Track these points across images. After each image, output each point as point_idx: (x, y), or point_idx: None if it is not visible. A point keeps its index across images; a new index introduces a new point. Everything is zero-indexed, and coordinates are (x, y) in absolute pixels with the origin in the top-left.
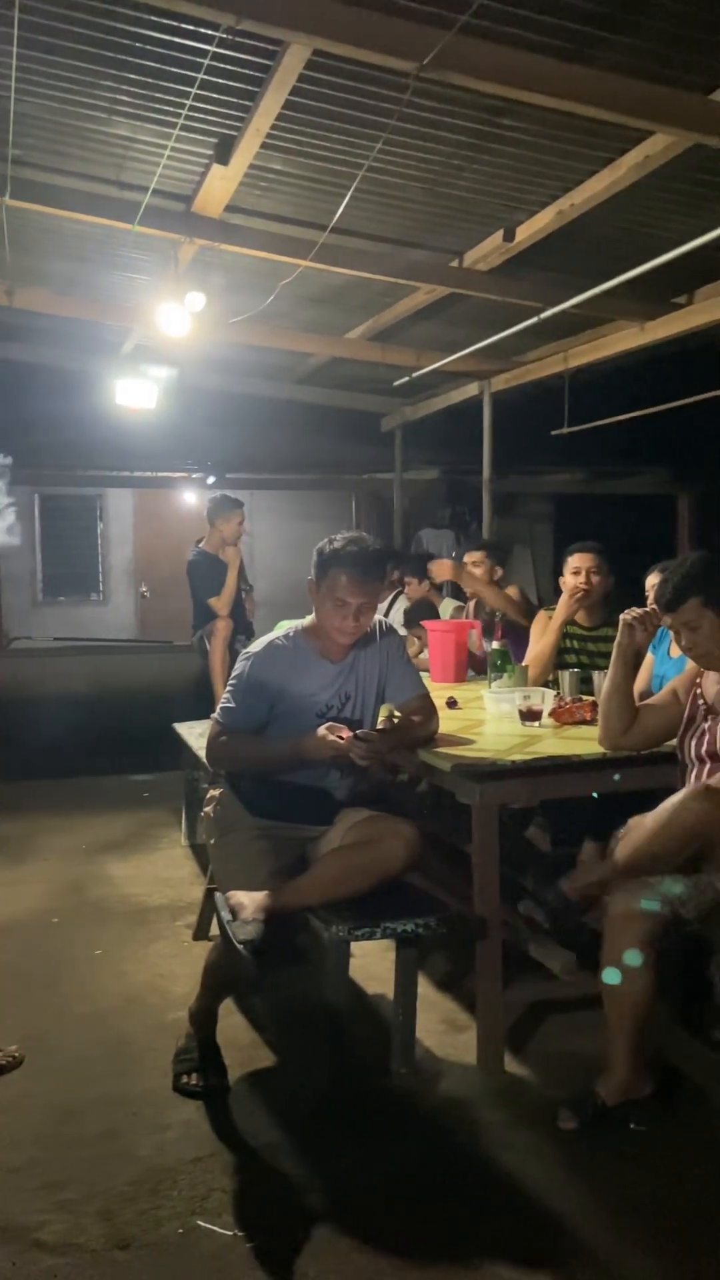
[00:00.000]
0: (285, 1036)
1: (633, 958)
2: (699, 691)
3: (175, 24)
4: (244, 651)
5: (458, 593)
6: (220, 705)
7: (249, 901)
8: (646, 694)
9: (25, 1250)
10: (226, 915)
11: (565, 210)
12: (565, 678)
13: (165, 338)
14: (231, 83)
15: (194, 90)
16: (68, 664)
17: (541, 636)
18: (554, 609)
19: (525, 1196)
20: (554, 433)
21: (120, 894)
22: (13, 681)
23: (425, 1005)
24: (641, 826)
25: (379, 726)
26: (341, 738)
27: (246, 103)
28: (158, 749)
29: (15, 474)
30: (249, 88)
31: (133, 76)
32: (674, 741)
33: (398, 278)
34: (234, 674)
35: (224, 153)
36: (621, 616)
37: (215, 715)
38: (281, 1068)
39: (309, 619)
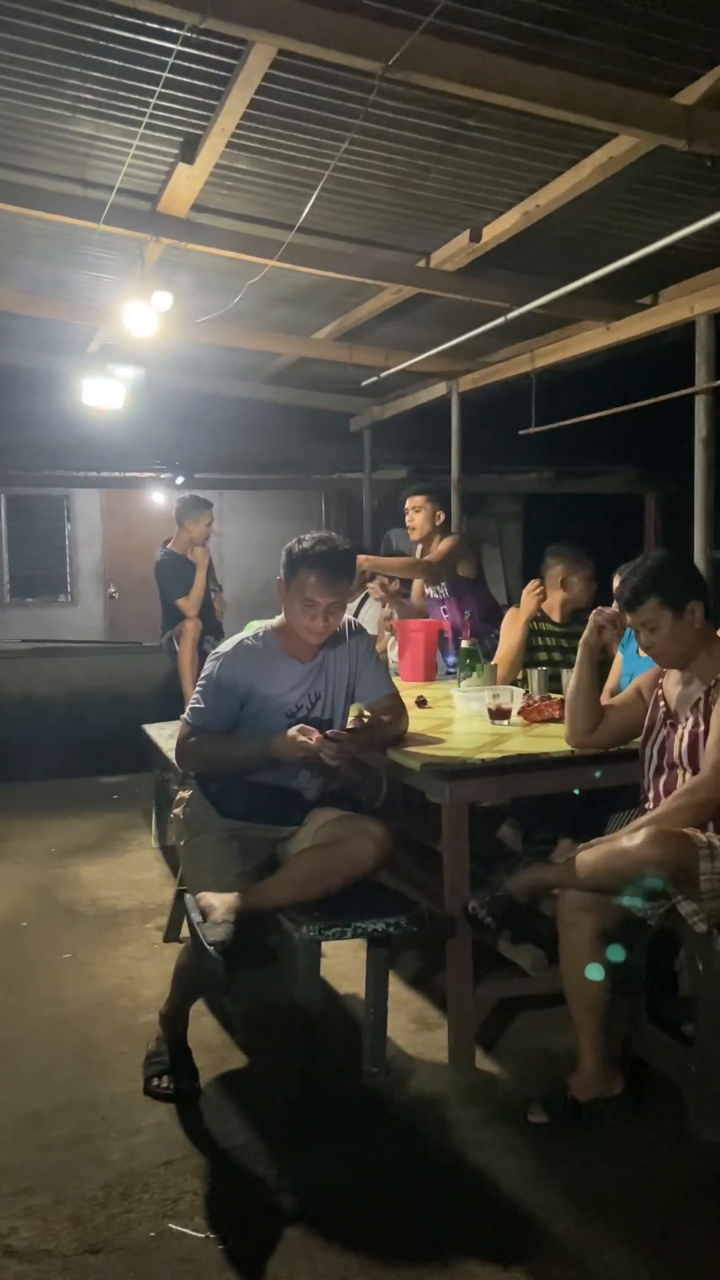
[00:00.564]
0: (256, 1038)
1: (612, 954)
2: (660, 693)
3: (139, 22)
4: (213, 652)
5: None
6: (189, 705)
7: (219, 903)
8: (617, 692)
9: None
10: (197, 917)
11: (531, 211)
12: (534, 676)
13: (132, 337)
14: (197, 82)
15: (159, 89)
16: (36, 666)
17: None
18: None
19: (497, 1193)
20: (522, 432)
21: (90, 897)
22: None
23: (396, 1004)
24: (597, 854)
25: (349, 726)
26: (311, 739)
27: (212, 102)
28: (127, 751)
29: None
30: (214, 87)
31: (96, 74)
32: (639, 739)
33: (365, 278)
34: (203, 674)
35: (189, 152)
36: (592, 615)
37: (185, 716)
38: (253, 1069)
39: (278, 619)
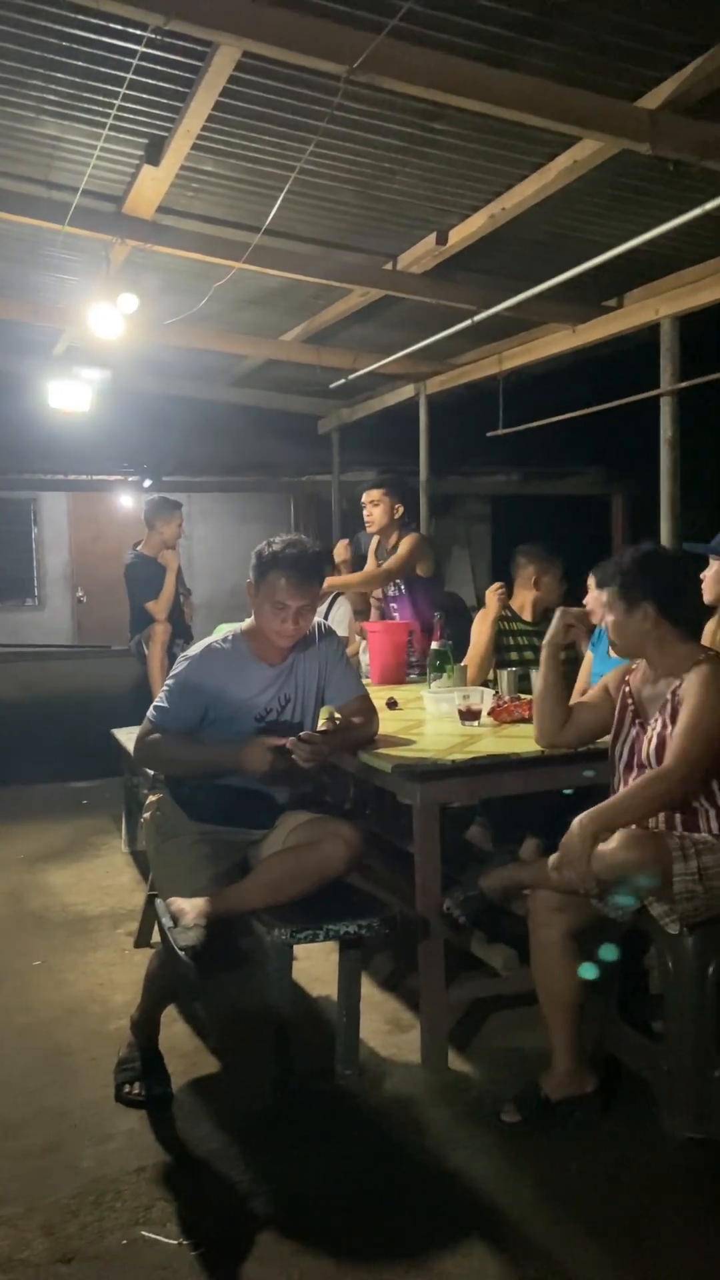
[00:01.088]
0: (229, 1042)
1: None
2: (628, 690)
3: (103, 23)
4: (182, 654)
5: None
6: (154, 704)
7: (190, 907)
8: (586, 691)
9: None
10: (167, 922)
11: (496, 214)
12: (504, 677)
13: (98, 340)
14: (161, 83)
15: (123, 90)
16: (3, 670)
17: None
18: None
19: (471, 1193)
20: (489, 434)
21: (60, 903)
22: None
23: (369, 1006)
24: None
25: (320, 728)
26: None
27: (177, 103)
28: (96, 756)
29: None
30: (179, 88)
31: (60, 75)
32: (609, 739)
33: (331, 280)
34: (171, 674)
35: (154, 153)
36: (558, 613)
37: (149, 714)
38: (225, 1074)
39: (247, 622)
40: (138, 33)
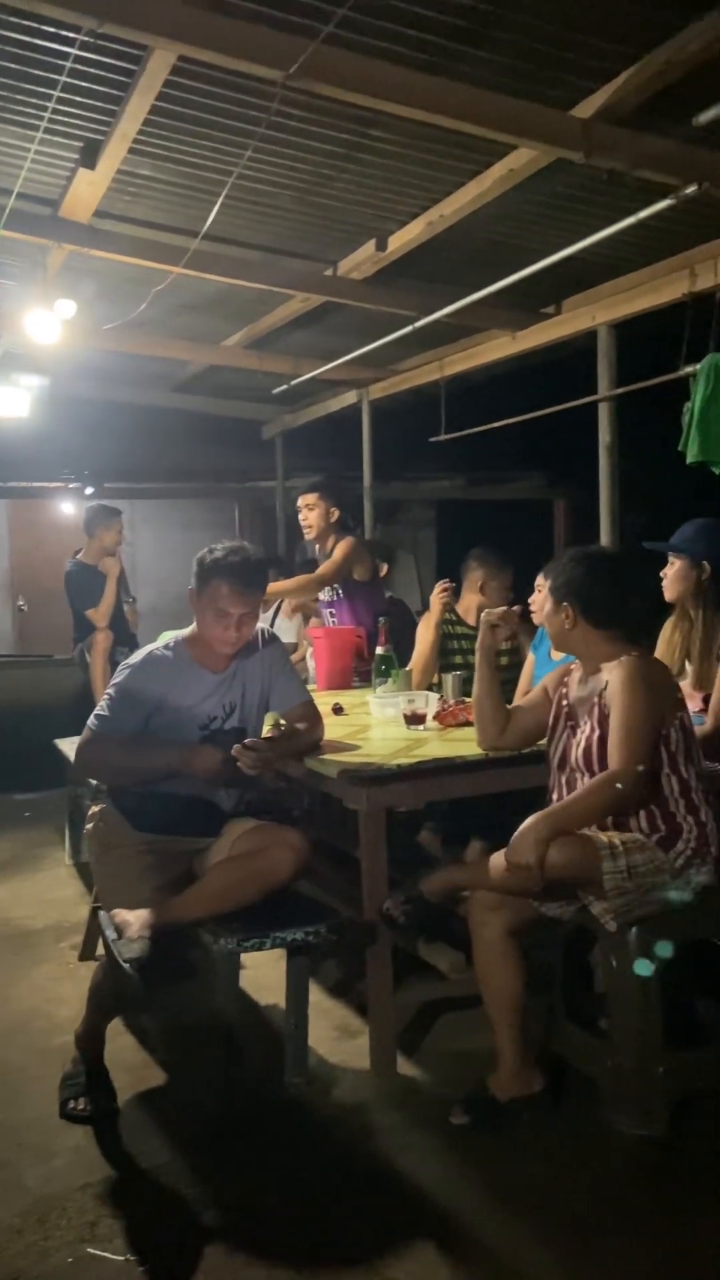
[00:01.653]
0: (176, 1054)
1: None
2: (564, 692)
3: (36, 25)
4: (124, 662)
5: None
6: (95, 713)
7: (134, 919)
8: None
9: None
10: (112, 934)
11: (435, 221)
12: (448, 680)
13: (36, 345)
14: (96, 86)
15: (57, 93)
16: None
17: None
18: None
19: (421, 1198)
20: (431, 439)
21: (2, 917)
22: None
23: (318, 1013)
24: (497, 862)
25: (265, 735)
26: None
27: (112, 107)
28: (39, 767)
29: None
30: (114, 91)
31: None
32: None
33: (272, 286)
34: (112, 682)
35: (90, 157)
36: (482, 616)
37: (89, 722)
38: (173, 1086)
39: (190, 629)
40: (71, 35)
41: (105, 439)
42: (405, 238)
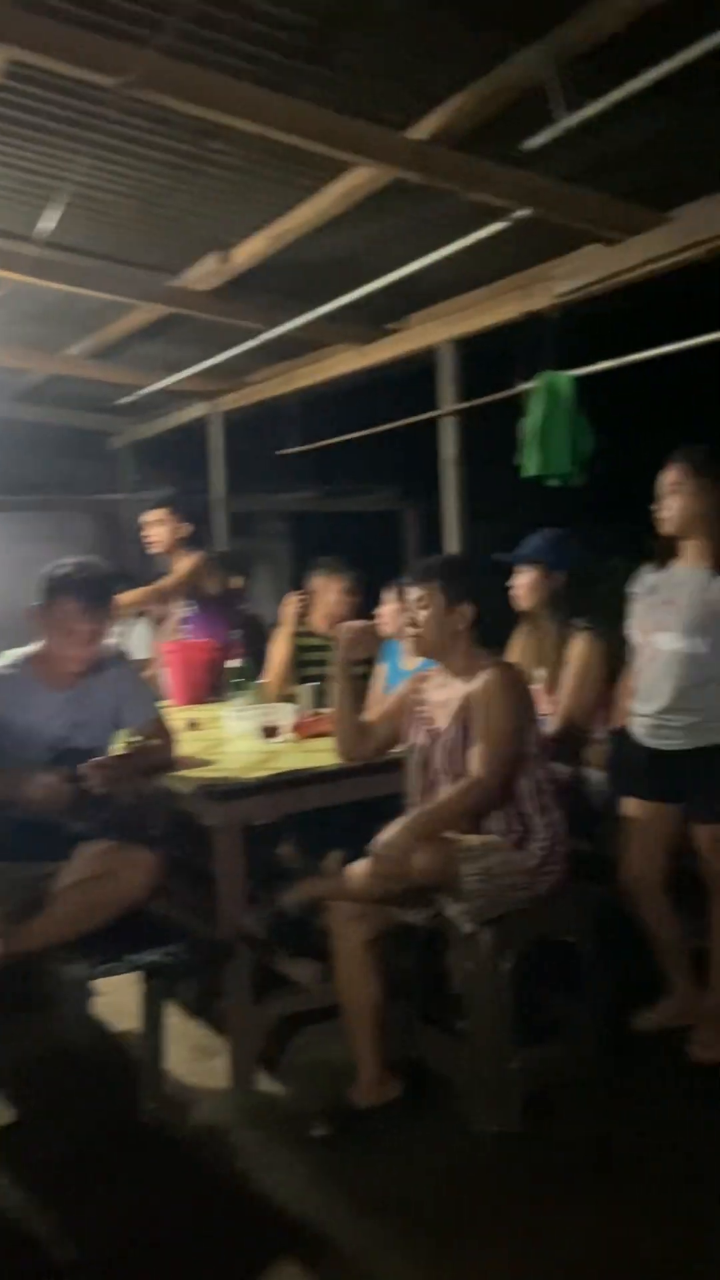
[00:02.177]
0: (27, 1089)
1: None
2: (420, 697)
3: None
4: None
5: None
6: None
7: None
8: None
9: None
10: None
11: (278, 235)
12: (304, 691)
13: None
14: None
15: None
16: None
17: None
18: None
19: (285, 1212)
20: (280, 452)
21: None
22: None
23: (176, 1034)
24: (367, 865)
25: (117, 753)
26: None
27: None
28: None
29: None
30: None
31: None
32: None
33: (115, 295)
34: None
35: None
36: (340, 632)
37: None
38: (24, 1123)
39: (35, 646)
40: None
41: None
42: (249, 251)
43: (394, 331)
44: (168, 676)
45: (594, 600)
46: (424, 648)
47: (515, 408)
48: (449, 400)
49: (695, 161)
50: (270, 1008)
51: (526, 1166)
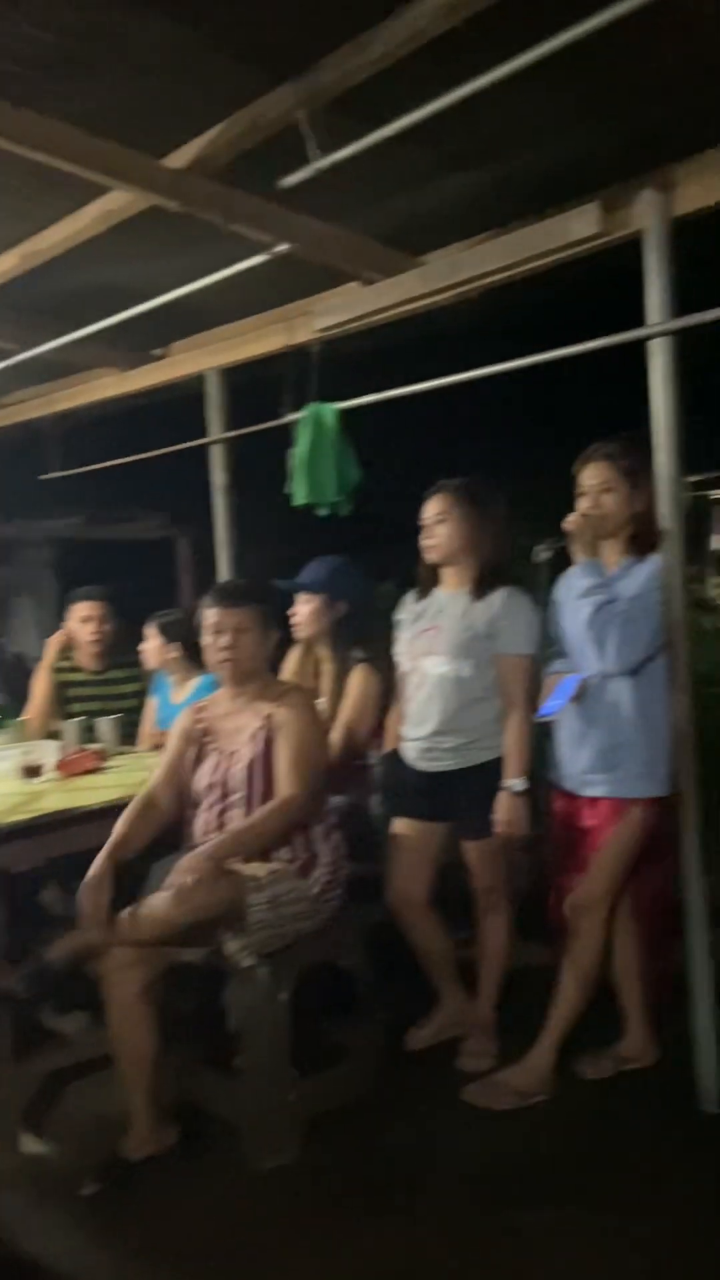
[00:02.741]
0: None
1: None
2: (204, 724)
3: None
4: None
5: None
6: None
7: None
8: (154, 735)
9: None
10: None
11: (30, 254)
12: (69, 728)
13: None
14: None
15: None
16: None
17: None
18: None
19: (49, 1277)
20: (41, 477)
21: None
22: None
23: None
24: (150, 908)
25: None
26: None
27: None
28: None
29: None
30: None
31: None
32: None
33: None
34: None
35: None
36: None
37: None
38: None
39: None
40: None
41: None
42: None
43: (160, 358)
44: None
45: (372, 630)
46: (241, 672)
47: (286, 436)
48: (218, 428)
49: (449, 208)
50: (34, 1065)
51: (307, 1197)
